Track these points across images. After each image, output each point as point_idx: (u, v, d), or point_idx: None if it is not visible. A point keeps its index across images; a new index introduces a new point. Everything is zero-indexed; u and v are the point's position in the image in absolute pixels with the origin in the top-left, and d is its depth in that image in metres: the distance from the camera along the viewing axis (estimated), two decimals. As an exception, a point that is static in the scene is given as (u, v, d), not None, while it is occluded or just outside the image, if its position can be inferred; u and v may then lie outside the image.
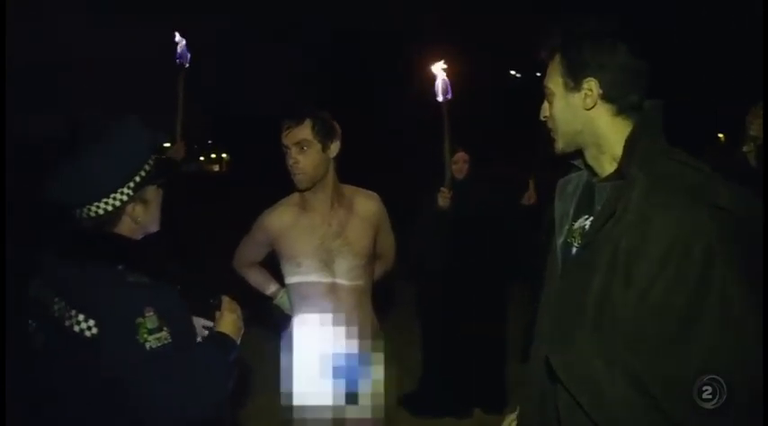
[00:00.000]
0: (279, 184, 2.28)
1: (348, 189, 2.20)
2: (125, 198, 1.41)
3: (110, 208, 1.40)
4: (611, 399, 1.13)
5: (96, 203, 1.38)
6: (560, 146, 1.36)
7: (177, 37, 3.20)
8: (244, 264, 2.33)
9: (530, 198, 3.98)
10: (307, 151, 2.02)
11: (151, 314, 1.32)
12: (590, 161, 1.34)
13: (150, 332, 1.31)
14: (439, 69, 2.77)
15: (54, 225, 1.47)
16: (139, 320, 1.31)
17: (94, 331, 1.30)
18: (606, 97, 1.26)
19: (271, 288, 2.31)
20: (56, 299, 1.35)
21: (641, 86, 1.27)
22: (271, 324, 2.36)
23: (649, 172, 1.17)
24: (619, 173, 1.25)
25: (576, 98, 1.29)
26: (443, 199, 3.22)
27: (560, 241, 1.40)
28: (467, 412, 3.63)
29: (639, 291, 1.12)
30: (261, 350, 2.90)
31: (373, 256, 2.21)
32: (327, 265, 2.08)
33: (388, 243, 2.33)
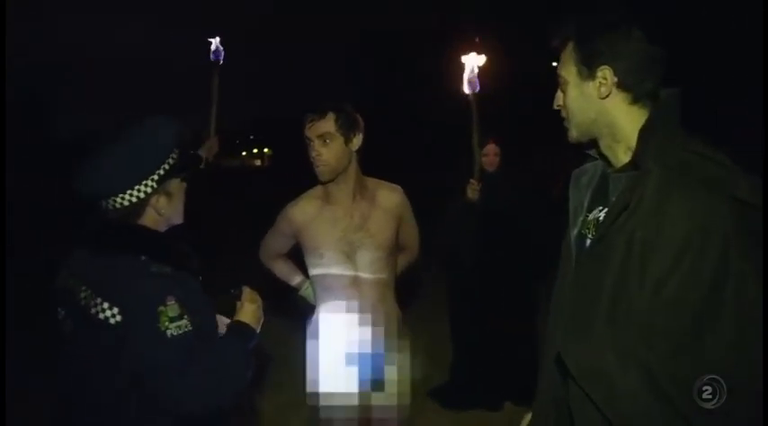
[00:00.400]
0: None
1: (371, 181, 2.22)
2: (149, 190, 1.46)
3: (134, 199, 1.45)
4: (622, 393, 1.12)
5: (121, 195, 1.44)
6: (574, 135, 1.34)
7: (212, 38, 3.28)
8: (269, 256, 2.38)
9: (561, 190, 3.92)
10: (329, 144, 2.05)
11: (173, 302, 1.37)
12: (604, 150, 1.32)
13: (171, 320, 1.36)
14: (467, 62, 2.76)
15: (82, 218, 1.54)
16: (161, 308, 1.35)
17: (118, 318, 1.35)
18: (621, 85, 1.24)
19: (296, 279, 2.36)
20: (83, 288, 1.42)
21: (657, 73, 1.25)
22: (295, 315, 2.41)
23: (665, 163, 1.15)
24: (634, 164, 1.22)
25: (591, 87, 1.27)
26: (472, 191, 3.20)
27: (575, 232, 1.38)
28: (496, 405, 3.62)
29: (654, 284, 1.09)
30: (286, 340, 2.98)
31: (396, 248, 2.23)
32: (349, 257, 2.11)
33: (411, 235, 2.34)
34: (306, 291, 2.33)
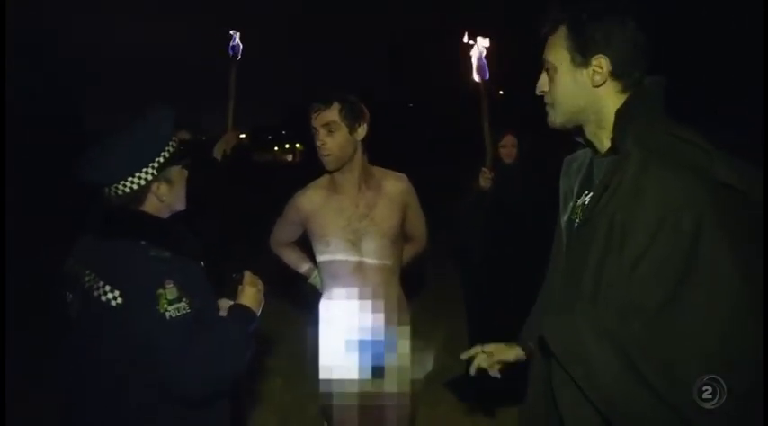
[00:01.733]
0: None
1: (377, 170, 2.24)
2: (149, 177, 1.52)
3: (135, 186, 1.51)
4: (600, 371, 1.12)
5: (123, 182, 1.50)
6: (559, 121, 1.34)
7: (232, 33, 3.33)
8: (279, 244, 2.43)
9: None
10: (334, 133, 2.08)
11: (171, 286, 1.42)
12: (590, 137, 1.33)
13: (170, 302, 1.40)
14: (475, 49, 2.73)
15: (86, 207, 1.60)
16: (160, 291, 1.40)
17: (119, 301, 1.40)
18: (614, 74, 1.24)
19: (304, 266, 2.41)
20: (87, 272, 1.47)
21: (645, 63, 1.25)
22: (302, 302, 2.46)
23: (644, 146, 1.15)
24: (615, 149, 1.23)
25: (584, 74, 1.27)
26: (485, 179, 3.17)
27: (565, 218, 1.39)
28: (509, 399, 3.61)
29: (631, 263, 1.11)
30: (292, 326, 3.02)
31: (401, 236, 2.25)
32: (354, 245, 2.14)
33: (418, 224, 2.35)
34: (314, 279, 2.38)
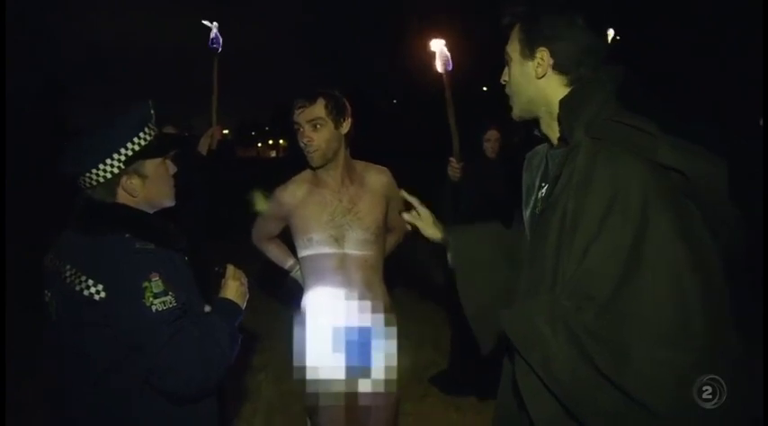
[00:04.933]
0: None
1: (360, 164, 2.24)
2: (115, 169, 1.48)
3: (101, 179, 1.47)
4: (557, 358, 1.14)
5: (88, 173, 1.46)
6: (516, 112, 1.40)
7: (210, 23, 3.28)
8: (261, 238, 2.42)
9: None
10: (320, 129, 2.07)
11: (156, 278, 1.39)
12: (544, 129, 1.37)
13: (156, 295, 1.38)
14: (439, 41, 2.74)
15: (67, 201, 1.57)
16: (145, 284, 1.37)
17: (102, 294, 1.37)
18: (557, 67, 1.29)
19: (288, 262, 2.39)
20: (67, 267, 1.44)
21: (594, 62, 1.28)
22: (284, 298, 2.44)
23: (592, 135, 1.19)
24: (564, 140, 1.27)
25: (530, 66, 1.32)
26: (453, 169, 3.15)
27: (527, 213, 1.42)
28: (494, 393, 3.63)
29: (581, 251, 1.13)
30: (274, 321, 2.98)
31: (384, 229, 2.25)
32: (337, 240, 2.14)
33: (399, 216, 2.34)
34: (297, 273, 2.37)
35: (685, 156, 1.12)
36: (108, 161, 1.47)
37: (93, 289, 1.38)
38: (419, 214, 1.71)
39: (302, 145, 2.11)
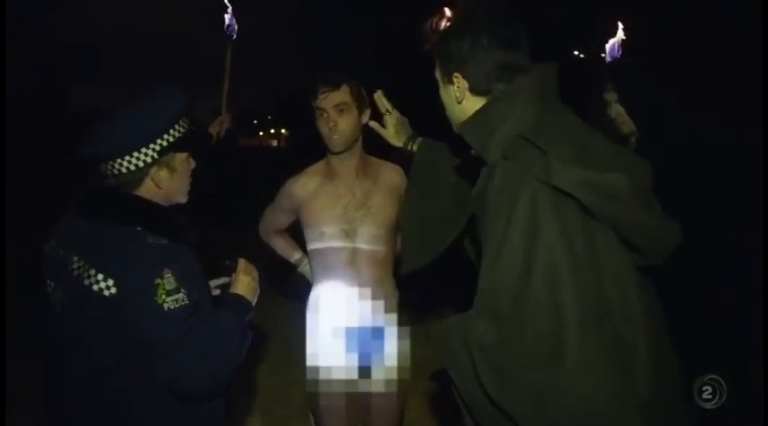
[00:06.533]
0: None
1: (373, 160, 2.21)
2: (149, 159, 1.42)
3: (132, 167, 1.41)
4: (463, 378, 1.20)
5: (120, 159, 1.40)
6: (456, 130, 1.40)
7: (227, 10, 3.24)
8: (269, 231, 2.37)
9: None
10: (345, 114, 2.04)
11: (169, 275, 1.34)
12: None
13: (168, 293, 1.33)
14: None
15: (73, 185, 1.51)
16: (158, 281, 1.32)
17: (113, 290, 1.32)
18: (473, 90, 1.30)
19: (295, 255, 2.35)
20: (75, 258, 1.38)
21: (508, 77, 1.27)
22: (290, 292, 2.41)
23: (505, 154, 1.21)
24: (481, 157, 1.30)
25: (451, 90, 1.35)
26: None
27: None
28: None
29: (489, 269, 1.17)
30: (282, 316, 2.95)
31: (396, 227, 2.21)
32: (349, 234, 2.11)
33: None
34: (304, 268, 2.33)
35: (571, 175, 1.12)
36: (143, 149, 1.41)
37: (102, 284, 1.33)
38: (389, 115, 1.86)
39: (325, 130, 2.06)
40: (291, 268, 2.39)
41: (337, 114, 2.04)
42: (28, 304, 1.63)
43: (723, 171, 1.80)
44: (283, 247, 2.38)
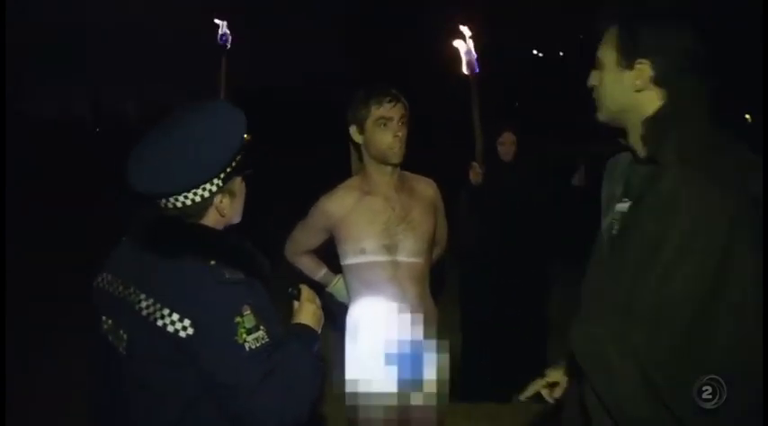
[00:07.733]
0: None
1: (407, 174, 2.17)
2: (215, 189, 1.30)
3: (198, 199, 1.29)
4: (621, 386, 1.14)
5: (185, 194, 1.28)
6: (602, 118, 1.31)
7: (218, 21, 3.21)
8: (298, 252, 2.26)
9: (580, 179, 3.85)
10: (405, 127, 2.03)
11: (248, 312, 1.23)
12: (631, 141, 1.28)
13: (249, 331, 1.22)
14: (465, 43, 2.68)
15: (130, 215, 1.39)
16: (238, 319, 1.21)
17: (190, 331, 1.20)
18: (658, 81, 1.20)
19: (320, 273, 2.26)
20: (142, 296, 1.26)
21: (700, 72, 1.19)
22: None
23: (682, 157, 1.13)
24: (652, 157, 1.20)
25: (627, 77, 1.23)
26: (475, 174, 3.11)
27: (606, 223, 1.35)
28: (507, 398, 3.58)
29: (659, 280, 1.10)
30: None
31: (433, 240, 2.16)
32: (390, 249, 2.04)
33: (444, 228, 2.30)
34: (335, 287, 2.24)
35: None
36: (211, 180, 1.29)
37: (178, 325, 1.21)
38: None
39: (388, 140, 2.00)
40: (320, 287, 2.26)
41: (402, 126, 2.01)
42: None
43: None
44: (310, 266, 2.28)
